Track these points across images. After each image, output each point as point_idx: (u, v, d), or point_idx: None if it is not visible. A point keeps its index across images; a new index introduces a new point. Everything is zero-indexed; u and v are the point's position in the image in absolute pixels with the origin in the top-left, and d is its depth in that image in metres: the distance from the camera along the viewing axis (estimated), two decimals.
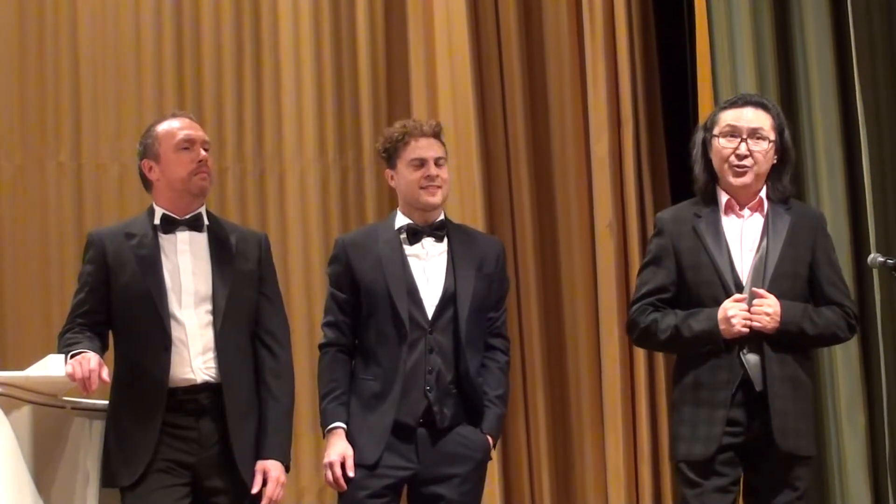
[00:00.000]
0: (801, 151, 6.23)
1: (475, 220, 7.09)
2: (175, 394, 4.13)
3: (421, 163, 4.50)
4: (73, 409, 4.25)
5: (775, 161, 4.35)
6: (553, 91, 7.27)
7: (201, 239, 4.26)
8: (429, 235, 4.52)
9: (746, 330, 4.16)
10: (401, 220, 4.54)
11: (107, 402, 4.34)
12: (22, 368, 4.34)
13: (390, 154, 4.56)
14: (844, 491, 5.99)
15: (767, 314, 4.16)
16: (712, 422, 4.17)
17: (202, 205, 4.31)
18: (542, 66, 7.32)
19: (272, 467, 4.20)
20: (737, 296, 4.19)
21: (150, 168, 4.28)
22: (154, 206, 4.29)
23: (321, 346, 4.50)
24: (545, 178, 7.25)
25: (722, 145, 4.30)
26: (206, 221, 4.29)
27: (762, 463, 4.21)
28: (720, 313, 4.17)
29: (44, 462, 4.09)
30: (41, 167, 6.88)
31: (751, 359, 4.21)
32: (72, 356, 4.03)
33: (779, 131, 4.35)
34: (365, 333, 4.46)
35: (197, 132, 4.28)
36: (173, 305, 4.15)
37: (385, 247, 4.48)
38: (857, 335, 5.90)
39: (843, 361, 5.99)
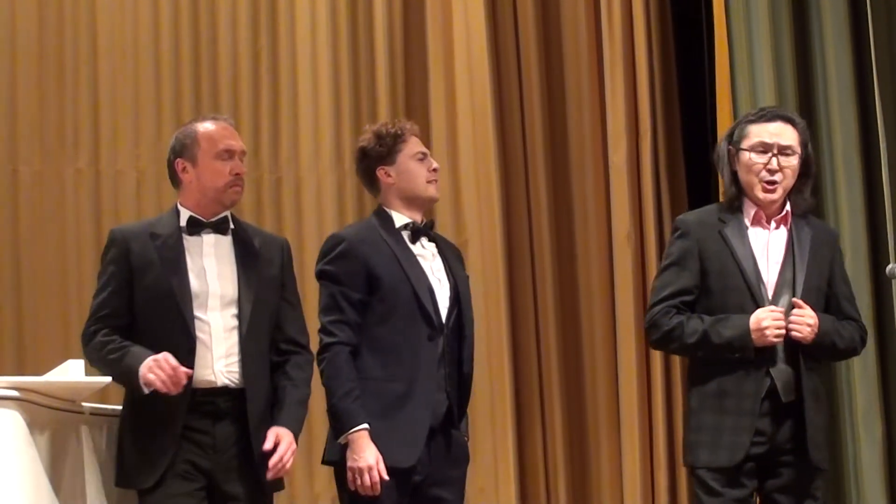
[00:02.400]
0: (819, 162, 6.22)
1: (493, 228, 7.10)
2: (193, 395, 4.08)
3: (424, 155, 4.50)
4: (91, 414, 4.25)
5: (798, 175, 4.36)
6: (571, 100, 7.28)
7: (226, 242, 4.21)
8: (423, 235, 4.47)
9: (779, 340, 4.15)
10: (400, 218, 4.46)
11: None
12: (40, 373, 4.34)
13: (390, 147, 4.48)
14: (861, 501, 5.97)
15: (809, 325, 4.16)
16: (739, 430, 4.15)
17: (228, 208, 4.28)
18: (560, 75, 7.32)
19: (284, 434, 4.13)
20: (772, 307, 4.17)
21: (185, 168, 4.22)
22: (179, 206, 4.24)
23: (330, 345, 4.29)
24: (563, 187, 7.25)
25: (753, 160, 4.28)
26: (231, 225, 4.24)
27: (783, 472, 4.19)
28: (753, 322, 4.15)
29: (62, 467, 4.08)
30: (59, 174, 6.90)
31: (780, 369, 4.19)
32: (137, 368, 4.02)
33: (804, 146, 4.35)
34: (381, 333, 4.33)
35: (237, 142, 4.23)
36: (198, 308, 4.11)
37: (396, 245, 4.38)
38: (874, 345, 5.94)
39: (860, 371, 5.98)
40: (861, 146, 6.12)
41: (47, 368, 4.40)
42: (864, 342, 4.41)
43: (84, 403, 4.27)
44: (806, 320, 4.16)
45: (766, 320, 4.14)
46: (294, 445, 4.14)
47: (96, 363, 4.17)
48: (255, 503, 4.14)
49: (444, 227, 7.02)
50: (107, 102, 6.99)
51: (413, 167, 4.47)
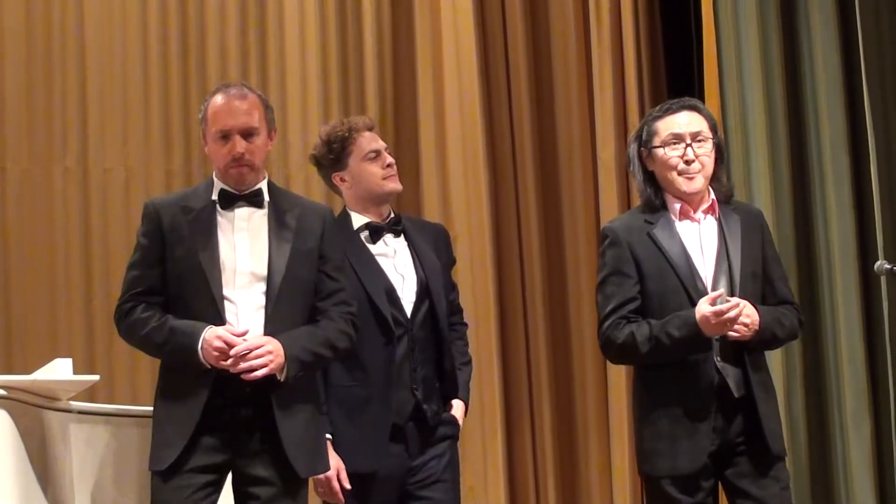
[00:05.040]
0: (807, 159, 6.25)
1: (481, 226, 7.10)
2: (217, 378, 3.91)
3: (377, 154, 4.45)
4: (79, 413, 4.24)
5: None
6: (560, 98, 7.28)
7: (261, 216, 4.05)
8: (388, 231, 4.45)
9: (729, 329, 4.06)
10: (358, 219, 4.45)
11: (112, 406, 4.31)
12: (29, 372, 4.34)
13: (338, 154, 4.45)
14: (850, 499, 5.98)
15: (746, 325, 4.07)
16: (695, 434, 4.07)
17: (263, 178, 4.10)
18: (548, 72, 7.33)
19: (269, 341, 3.89)
20: (711, 295, 4.06)
21: (204, 143, 4.12)
22: (214, 177, 4.09)
23: None
24: (552, 184, 7.26)
25: (668, 154, 4.22)
26: (266, 197, 4.08)
27: (740, 461, 4.12)
28: (698, 315, 4.04)
29: (50, 466, 4.08)
30: (48, 172, 6.89)
31: (728, 366, 4.11)
32: (195, 347, 3.86)
33: (714, 131, 4.29)
34: None
35: (236, 120, 4.00)
36: (227, 286, 3.95)
37: (350, 250, 4.35)
38: (862, 343, 5.94)
39: (849, 369, 5.98)
40: (849, 143, 6.12)
41: (35, 367, 4.39)
42: (802, 324, 4.35)
43: (72, 402, 4.26)
44: (742, 319, 4.06)
45: (712, 322, 4.01)
46: (279, 359, 3.89)
47: (135, 341, 4.02)
48: (286, 487, 3.95)
49: None
50: (95, 100, 6.98)
51: (366, 168, 4.44)
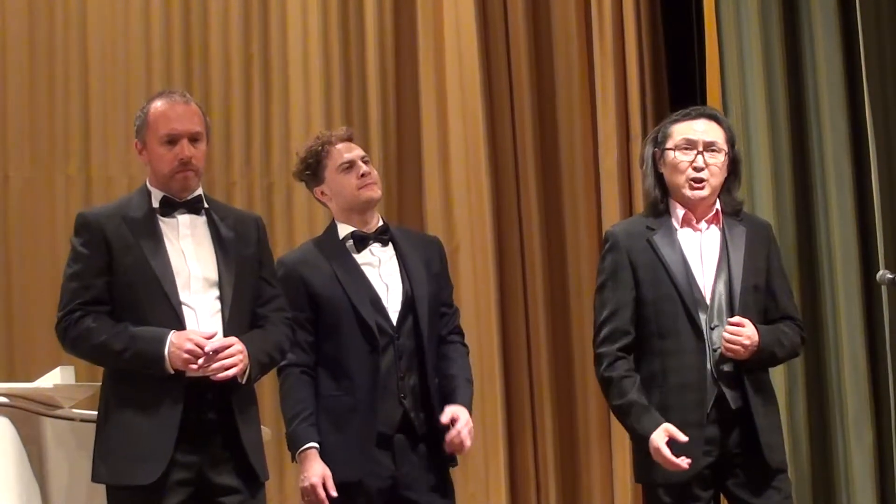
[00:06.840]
0: (809, 166, 6.24)
1: (483, 232, 7.11)
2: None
3: (350, 164, 4.45)
4: (82, 420, 4.24)
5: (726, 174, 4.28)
6: (562, 104, 7.30)
7: (201, 223, 4.05)
8: (375, 241, 4.45)
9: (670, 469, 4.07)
10: (343, 229, 4.46)
11: None
12: (31, 380, 4.34)
13: (314, 169, 4.49)
14: None
15: (744, 346, 4.05)
16: (688, 444, 4.03)
17: (198, 186, 4.08)
18: (551, 79, 7.34)
19: (243, 346, 3.91)
20: (679, 436, 4.02)
21: (141, 150, 4.08)
22: (148, 185, 4.07)
23: (283, 368, 4.29)
24: (554, 191, 7.26)
25: (679, 159, 4.19)
26: (205, 204, 4.08)
27: (740, 473, 4.11)
28: (651, 437, 4.03)
29: (52, 474, 4.09)
30: (50, 179, 6.89)
31: (726, 377, 4.10)
32: (160, 351, 3.82)
33: (731, 144, 4.27)
34: (329, 349, 4.33)
35: (183, 125, 3.99)
36: (183, 291, 3.93)
37: (335, 260, 4.38)
38: (864, 351, 5.93)
39: (850, 378, 5.98)
40: (851, 150, 6.12)
41: (38, 375, 4.40)
42: (804, 341, 4.32)
43: (74, 410, 4.26)
44: (741, 340, 4.04)
45: (657, 457, 4.03)
46: (242, 360, 3.88)
47: (88, 350, 3.96)
48: (251, 493, 3.96)
49: (435, 233, 7.03)
50: (97, 108, 6.99)
51: (340, 180, 4.45)
